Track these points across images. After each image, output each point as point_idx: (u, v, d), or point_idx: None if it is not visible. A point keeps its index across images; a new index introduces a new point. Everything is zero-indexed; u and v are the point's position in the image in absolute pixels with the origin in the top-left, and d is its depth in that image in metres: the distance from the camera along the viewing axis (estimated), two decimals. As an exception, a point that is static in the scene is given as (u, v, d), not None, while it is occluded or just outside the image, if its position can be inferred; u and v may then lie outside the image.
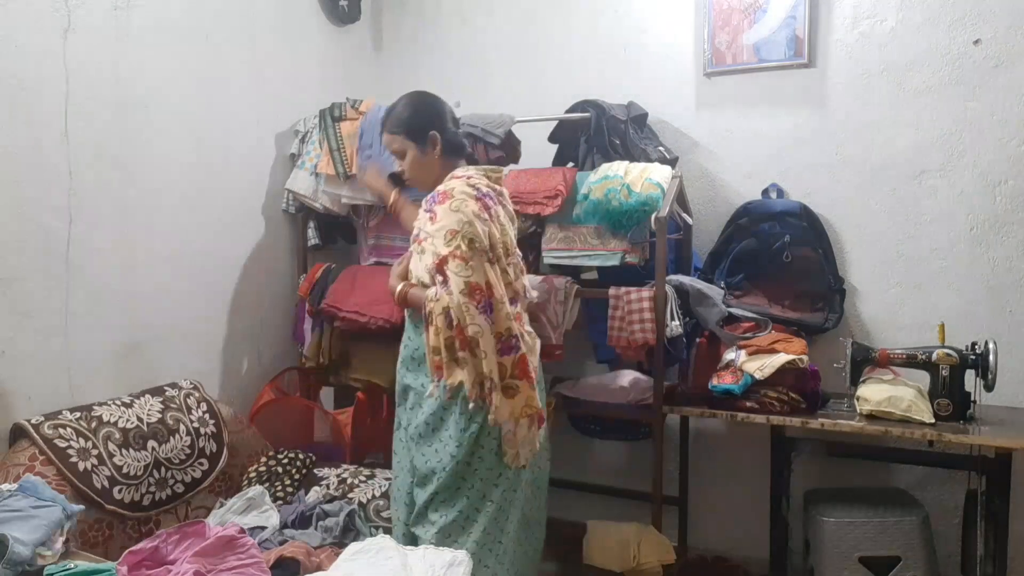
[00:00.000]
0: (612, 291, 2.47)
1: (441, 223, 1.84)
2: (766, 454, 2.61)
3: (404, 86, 3.41)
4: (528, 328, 1.99)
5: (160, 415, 2.17)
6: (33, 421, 1.92)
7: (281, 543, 2.04)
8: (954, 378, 2.23)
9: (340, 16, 3.22)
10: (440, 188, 1.92)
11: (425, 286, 1.90)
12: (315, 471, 2.41)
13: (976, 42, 2.54)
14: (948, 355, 2.24)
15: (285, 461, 2.39)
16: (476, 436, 1.88)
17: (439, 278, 1.83)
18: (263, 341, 2.89)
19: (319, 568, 1.74)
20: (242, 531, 1.76)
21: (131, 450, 2.04)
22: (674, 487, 2.81)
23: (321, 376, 2.92)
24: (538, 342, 2.02)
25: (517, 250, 2.03)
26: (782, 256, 2.69)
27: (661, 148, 2.74)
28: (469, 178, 1.93)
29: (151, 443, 2.09)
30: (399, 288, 1.98)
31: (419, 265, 1.93)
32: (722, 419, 2.62)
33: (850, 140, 2.71)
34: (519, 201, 2.62)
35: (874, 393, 2.25)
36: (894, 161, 2.66)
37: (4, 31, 1.97)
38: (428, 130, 1.99)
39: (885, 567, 2.33)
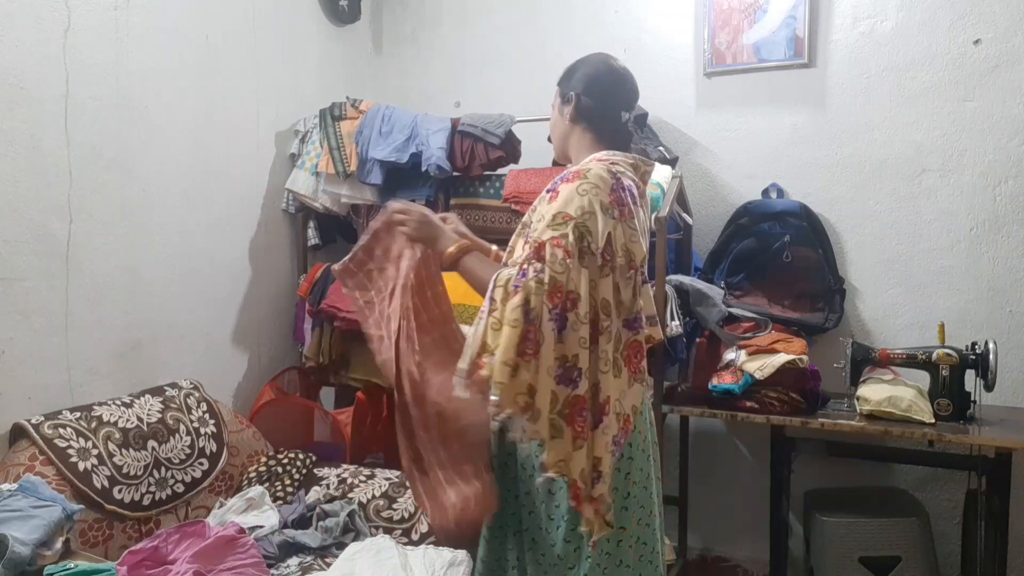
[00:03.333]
0: (612, 291, 2.46)
1: (558, 203, 1.48)
2: (766, 454, 2.61)
3: (404, 86, 3.47)
4: (641, 367, 1.56)
5: (160, 415, 2.17)
6: (33, 421, 1.91)
7: (280, 544, 2.05)
8: (954, 378, 2.23)
9: (340, 16, 3.22)
10: (575, 167, 1.57)
11: None
12: (315, 471, 2.41)
13: (976, 42, 2.54)
14: (948, 355, 2.24)
15: (285, 461, 2.39)
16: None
17: (529, 266, 1.44)
18: (263, 341, 2.89)
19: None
20: (242, 531, 1.77)
21: (131, 450, 2.03)
22: (674, 487, 2.81)
23: (321, 376, 2.92)
24: (641, 391, 1.57)
25: (642, 266, 1.61)
26: (782, 256, 2.69)
27: (661, 148, 2.74)
28: (613, 164, 1.57)
29: (151, 443, 2.09)
30: (454, 246, 1.57)
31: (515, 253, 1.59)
32: (722, 419, 2.63)
33: (850, 140, 2.71)
34: (519, 201, 2.63)
35: (874, 393, 2.25)
36: (894, 161, 2.66)
37: (4, 31, 1.97)
38: (571, 87, 1.68)
39: (885, 567, 2.33)
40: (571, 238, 1.43)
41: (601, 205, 1.47)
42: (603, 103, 1.66)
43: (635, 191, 1.56)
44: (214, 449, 2.27)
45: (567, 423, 1.43)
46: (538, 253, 1.43)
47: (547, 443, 1.42)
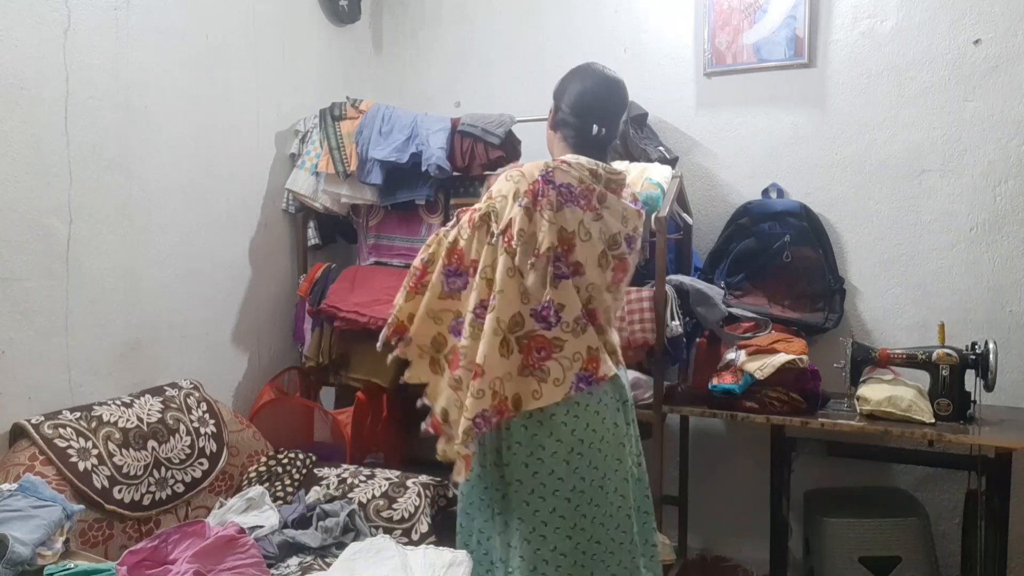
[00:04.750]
0: (612, 291, 2.46)
1: (493, 187, 1.77)
2: (766, 454, 2.61)
3: (404, 86, 3.47)
4: (544, 366, 1.67)
5: (160, 415, 2.17)
6: (33, 421, 1.91)
7: (280, 544, 2.05)
8: (954, 378, 2.23)
9: (340, 16, 3.22)
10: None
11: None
12: (315, 471, 2.41)
13: (976, 42, 2.54)
14: (948, 355, 2.24)
15: (285, 461, 2.39)
16: None
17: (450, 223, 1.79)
18: (263, 341, 2.89)
19: None
20: (242, 531, 1.76)
21: (131, 450, 2.03)
22: (674, 487, 2.81)
23: (321, 376, 2.91)
24: (554, 391, 1.68)
25: (554, 257, 1.67)
26: (782, 256, 2.69)
27: (661, 148, 2.74)
28: (562, 162, 1.75)
29: (151, 443, 2.09)
30: None
31: None
32: (722, 419, 2.63)
33: (850, 140, 2.71)
34: (519, 201, 2.62)
35: (874, 393, 2.25)
36: (894, 161, 2.66)
37: (4, 31, 1.97)
38: (555, 97, 1.89)
39: (885, 567, 2.34)
40: (480, 212, 1.70)
41: (515, 193, 1.68)
42: (576, 117, 1.82)
43: (575, 190, 1.71)
44: (214, 449, 2.27)
45: (450, 366, 1.69)
46: (459, 218, 1.75)
47: (412, 363, 1.75)
